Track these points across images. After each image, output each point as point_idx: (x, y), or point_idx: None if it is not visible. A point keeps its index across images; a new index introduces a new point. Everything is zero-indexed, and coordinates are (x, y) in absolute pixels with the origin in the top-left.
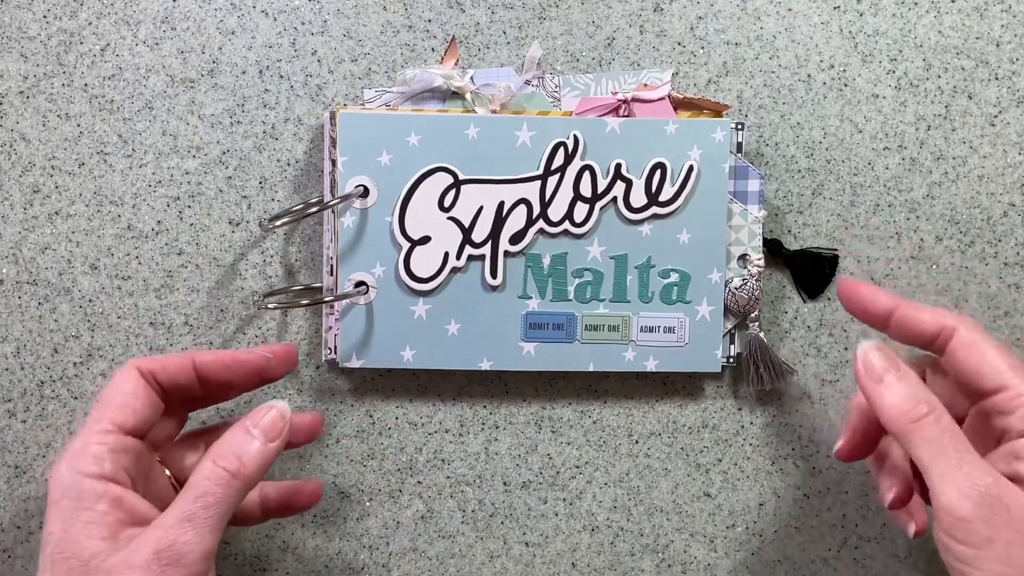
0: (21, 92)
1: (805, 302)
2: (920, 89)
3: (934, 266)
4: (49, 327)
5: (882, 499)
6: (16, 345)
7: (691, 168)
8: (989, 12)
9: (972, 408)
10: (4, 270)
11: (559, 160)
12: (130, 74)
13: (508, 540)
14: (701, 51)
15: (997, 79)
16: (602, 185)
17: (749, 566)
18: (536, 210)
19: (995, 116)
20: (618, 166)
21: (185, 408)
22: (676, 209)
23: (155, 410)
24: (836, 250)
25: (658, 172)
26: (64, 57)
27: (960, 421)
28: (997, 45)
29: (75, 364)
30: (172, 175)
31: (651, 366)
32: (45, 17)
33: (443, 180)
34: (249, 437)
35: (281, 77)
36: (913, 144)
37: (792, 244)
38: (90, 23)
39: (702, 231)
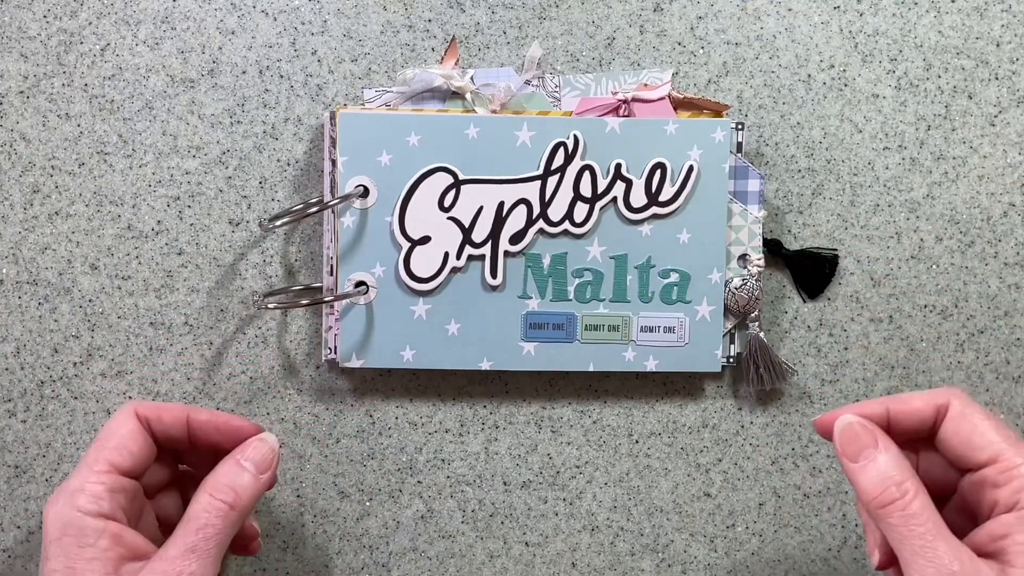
0: (21, 92)
1: (805, 302)
2: (920, 89)
3: (934, 266)
4: (49, 327)
5: (869, 559)
6: (16, 345)
7: (691, 168)
8: (989, 12)
9: (963, 479)
10: (4, 270)
11: (559, 160)
12: (130, 74)
13: (508, 540)
14: (701, 51)
15: (997, 79)
16: (602, 185)
17: (749, 566)
18: (536, 210)
19: (995, 116)
20: (618, 166)
21: (175, 458)
22: (676, 209)
23: (150, 454)
24: (836, 250)
25: (658, 172)
26: (64, 57)
27: (951, 492)
28: (997, 45)
29: (75, 364)
30: (172, 175)
31: (651, 366)
32: (45, 17)
33: (443, 180)
34: (241, 470)
35: (281, 77)
36: (913, 144)
37: (792, 244)
38: (90, 23)
39: (702, 231)
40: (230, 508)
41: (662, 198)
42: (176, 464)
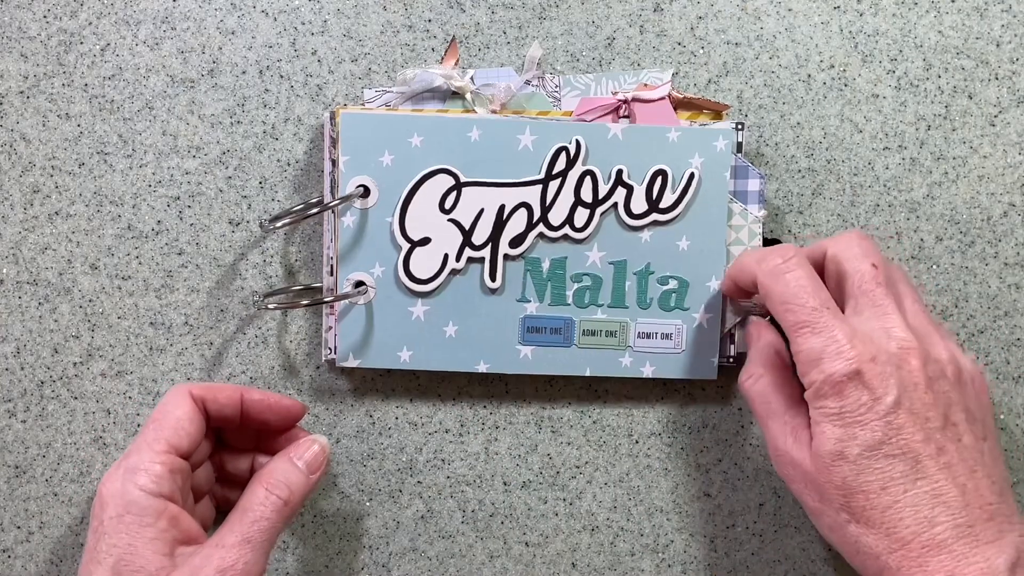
0: (21, 92)
1: None
2: (920, 89)
3: (934, 266)
4: (49, 327)
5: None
6: (16, 345)
7: (692, 176)
8: (989, 12)
9: None
10: (4, 270)
11: (561, 165)
12: (130, 74)
13: (508, 540)
14: (701, 51)
15: (997, 79)
16: (603, 191)
17: (749, 566)
18: (536, 214)
19: (995, 116)
20: (619, 172)
21: (215, 436)
22: (676, 216)
23: (202, 436)
24: None
25: (659, 179)
26: (64, 57)
27: None
28: (997, 45)
29: (75, 364)
30: (172, 175)
31: (647, 372)
32: (45, 17)
33: (444, 182)
34: (295, 468)
35: (281, 77)
36: (913, 144)
37: (792, 244)
38: (90, 23)
39: (702, 238)
40: (284, 504)
41: (662, 205)
42: (213, 442)
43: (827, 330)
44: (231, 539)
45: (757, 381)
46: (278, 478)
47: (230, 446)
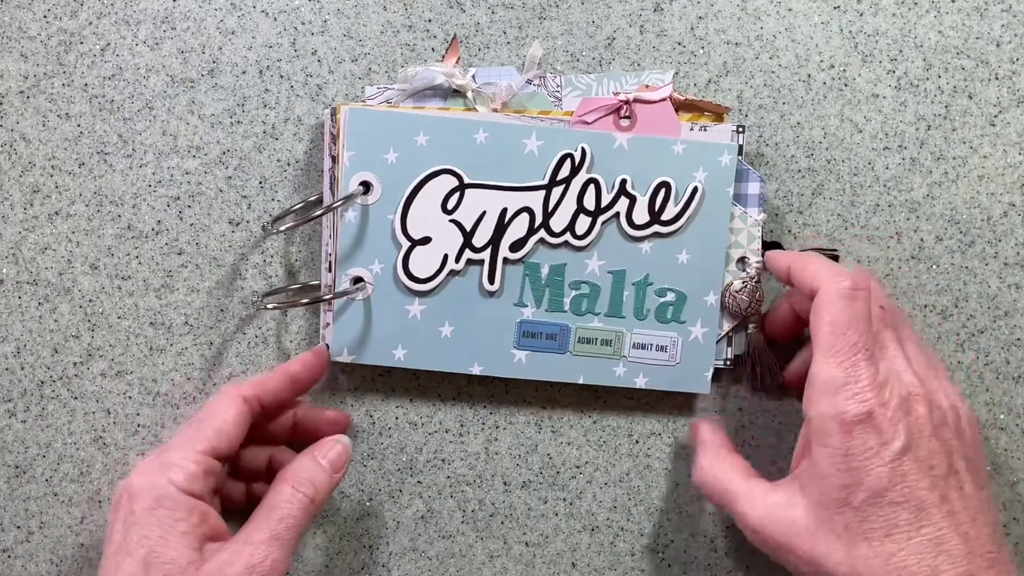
0: (21, 92)
1: None
2: (920, 89)
3: (934, 266)
4: (49, 327)
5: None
6: (16, 345)
7: (695, 189)
8: (989, 12)
9: None
10: (4, 270)
11: (565, 171)
12: (130, 74)
13: (508, 540)
14: (701, 51)
15: (997, 79)
16: (606, 199)
17: (749, 566)
18: (538, 219)
19: (995, 116)
20: (623, 182)
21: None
22: (678, 229)
23: (242, 439)
24: (836, 250)
25: (662, 191)
26: (64, 57)
27: None
28: (997, 45)
29: (75, 364)
30: (172, 175)
31: (640, 383)
32: (45, 17)
33: (448, 182)
34: (319, 466)
35: (281, 77)
36: (913, 144)
37: (792, 244)
38: (90, 23)
39: (702, 253)
40: (310, 501)
41: (664, 217)
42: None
43: (855, 369)
44: (259, 536)
45: (711, 468)
46: (303, 476)
47: (253, 439)
